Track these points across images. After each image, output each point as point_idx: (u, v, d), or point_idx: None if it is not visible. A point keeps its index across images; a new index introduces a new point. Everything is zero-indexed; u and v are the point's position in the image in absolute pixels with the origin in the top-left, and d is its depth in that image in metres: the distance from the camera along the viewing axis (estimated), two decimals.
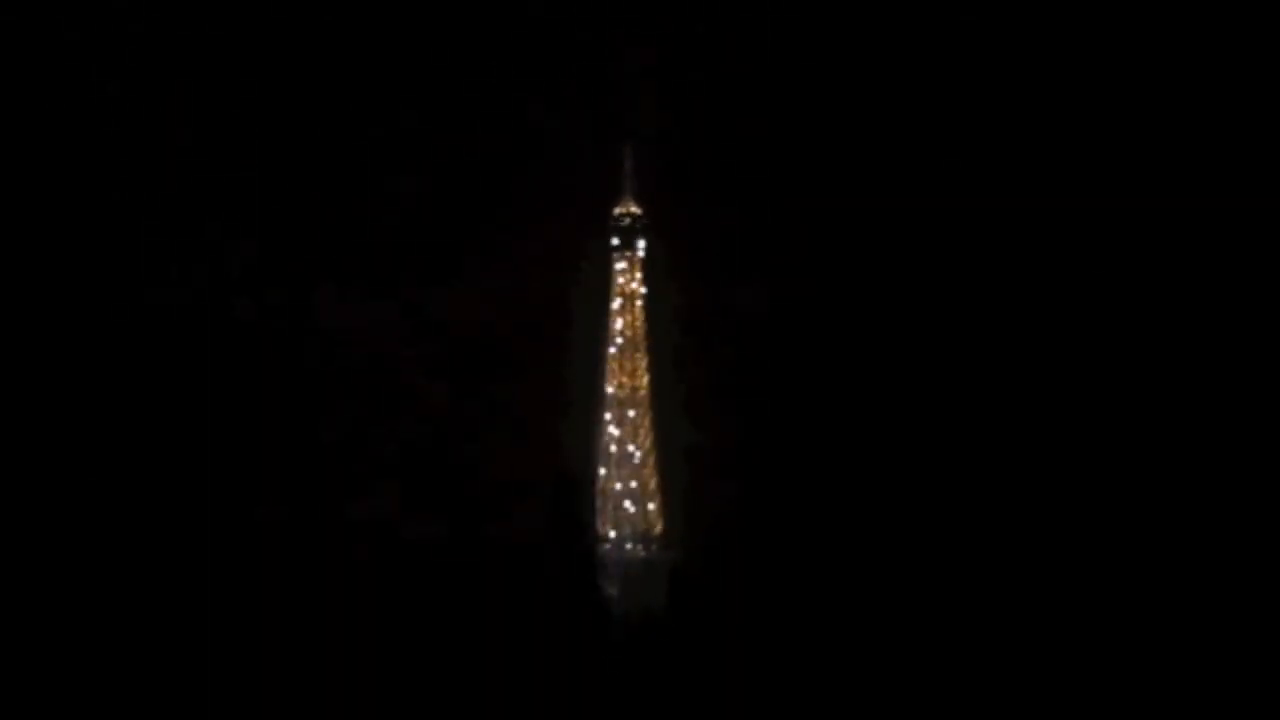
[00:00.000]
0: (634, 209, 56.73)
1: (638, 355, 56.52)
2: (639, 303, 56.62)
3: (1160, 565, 52.18)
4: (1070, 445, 52.78)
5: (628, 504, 56.13)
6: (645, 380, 56.45)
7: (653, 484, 56.25)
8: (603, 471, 56.27)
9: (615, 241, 56.92)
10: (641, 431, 56.35)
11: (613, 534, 56.03)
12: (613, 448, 56.25)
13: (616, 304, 56.57)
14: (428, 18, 56.32)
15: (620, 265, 56.77)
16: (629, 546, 55.92)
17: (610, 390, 56.61)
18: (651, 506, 56.22)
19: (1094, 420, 52.87)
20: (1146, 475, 52.99)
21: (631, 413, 56.44)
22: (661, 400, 56.37)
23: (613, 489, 56.19)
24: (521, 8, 56.34)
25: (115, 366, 52.91)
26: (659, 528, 56.09)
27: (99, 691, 48.42)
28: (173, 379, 53.38)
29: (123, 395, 52.94)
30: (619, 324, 56.53)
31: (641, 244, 56.79)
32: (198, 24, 55.97)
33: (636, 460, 56.26)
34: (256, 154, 56.17)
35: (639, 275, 56.72)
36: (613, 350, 56.54)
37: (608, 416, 56.38)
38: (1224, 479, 52.41)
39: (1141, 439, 53.05)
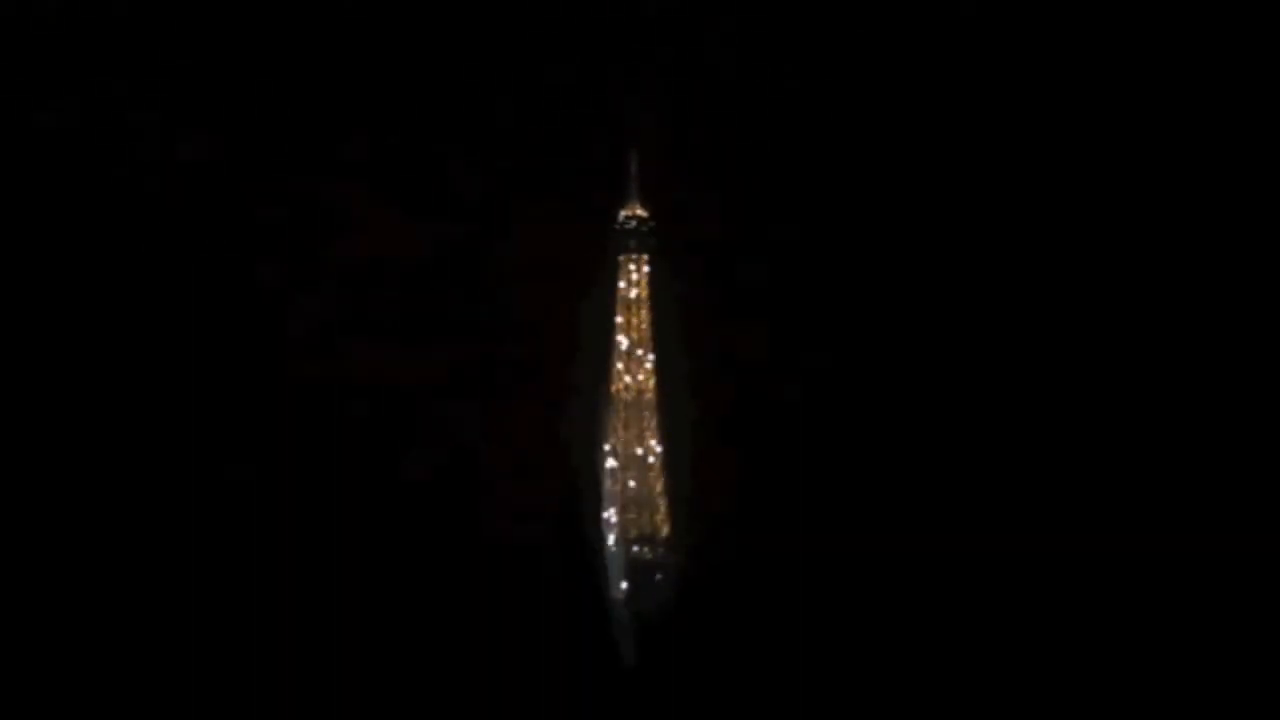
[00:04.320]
0: (640, 211, 56.78)
1: (644, 357, 56.39)
2: (645, 305, 56.53)
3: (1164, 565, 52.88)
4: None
5: (634, 507, 55.85)
6: (651, 383, 56.34)
7: (659, 487, 56.06)
8: (608, 474, 55.94)
9: (621, 244, 56.87)
10: (647, 434, 56.18)
11: (619, 537, 55.71)
12: (619, 450, 55.97)
13: (622, 306, 56.43)
14: (430, 22, 56.35)
15: (626, 268, 56.69)
16: (635, 549, 55.62)
17: (616, 392, 56.38)
18: (658, 509, 55.99)
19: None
20: (1147, 476, 53.80)
21: (637, 415, 56.24)
22: (668, 402, 56.26)
23: (619, 492, 55.89)
24: (525, 11, 56.50)
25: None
26: (666, 530, 55.87)
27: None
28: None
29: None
30: (625, 326, 56.39)
31: (648, 246, 56.76)
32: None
33: (643, 463, 56.03)
34: (253, 166, 55.93)
35: (645, 277, 56.67)
36: (619, 352, 56.33)
37: (614, 419, 56.12)
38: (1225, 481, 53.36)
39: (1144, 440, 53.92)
